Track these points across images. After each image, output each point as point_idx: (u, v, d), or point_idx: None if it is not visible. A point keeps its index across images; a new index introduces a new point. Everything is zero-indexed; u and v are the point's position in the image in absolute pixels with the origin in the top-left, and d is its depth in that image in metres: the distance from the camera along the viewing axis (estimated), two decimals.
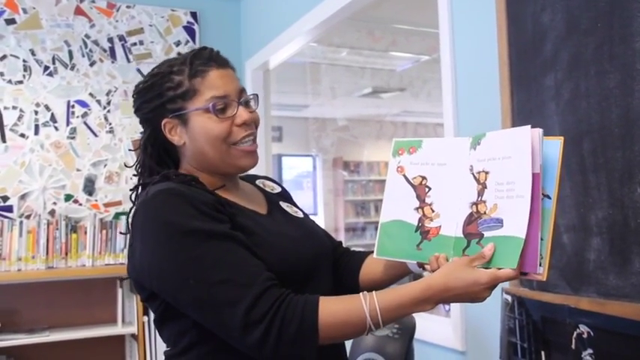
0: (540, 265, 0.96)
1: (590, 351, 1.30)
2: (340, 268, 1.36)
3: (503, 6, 1.62)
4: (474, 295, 1.00)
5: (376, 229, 1.23)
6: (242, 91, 1.23)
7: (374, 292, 1.04)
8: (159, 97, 1.20)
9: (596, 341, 1.29)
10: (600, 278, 1.33)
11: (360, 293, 1.04)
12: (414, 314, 1.87)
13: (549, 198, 0.97)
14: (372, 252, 1.29)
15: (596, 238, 1.33)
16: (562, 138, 0.99)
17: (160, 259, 1.06)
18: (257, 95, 1.29)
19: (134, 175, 1.28)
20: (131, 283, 3.32)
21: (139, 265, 1.11)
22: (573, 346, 1.34)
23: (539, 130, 0.98)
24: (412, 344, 1.81)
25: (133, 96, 1.27)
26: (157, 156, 1.25)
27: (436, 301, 1.02)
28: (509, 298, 1.53)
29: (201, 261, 1.03)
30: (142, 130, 1.28)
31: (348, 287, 1.34)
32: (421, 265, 1.15)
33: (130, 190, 1.27)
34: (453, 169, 1.10)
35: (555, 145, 0.98)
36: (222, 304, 1.01)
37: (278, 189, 1.42)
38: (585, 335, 1.31)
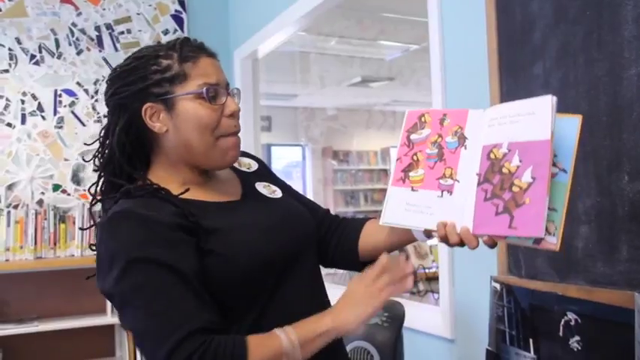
0: (554, 235, 0.97)
1: (577, 338, 1.31)
2: (334, 238, 1.34)
3: None
4: (366, 289, 1.09)
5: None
6: (228, 84, 1.20)
7: (291, 329, 1.04)
8: (142, 80, 1.13)
9: (583, 328, 1.30)
10: (588, 266, 1.34)
11: (277, 331, 1.04)
12: (403, 303, 1.89)
13: (565, 172, 0.99)
14: (370, 219, 1.32)
15: (584, 226, 1.34)
16: (580, 116, 1.01)
17: (110, 285, 1.05)
18: (240, 90, 1.26)
19: (94, 170, 1.21)
20: None
21: (100, 286, 1.11)
22: (561, 334, 1.35)
23: (553, 98, 0.99)
24: (401, 332, 1.82)
25: (107, 81, 1.20)
26: (130, 148, 1.17)
27: (332, 312, 1.09)
28: (497, 286, 1.54)
29: (142, 290, 1.02)
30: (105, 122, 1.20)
31: (345, 256, 1.33)
32: (428, 234, 1.13)
33: (94, 188, 1.21)
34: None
35: (573, 123, 1.01)
36: (151, 338, 1.00)
37: (254, 166, 1.37)
38: (573, 322, 1.32)
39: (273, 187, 1.32)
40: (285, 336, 1.02)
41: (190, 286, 1.03)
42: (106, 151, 1.19)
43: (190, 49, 1.16)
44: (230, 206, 1.20)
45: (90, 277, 1.25)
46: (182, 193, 1.13)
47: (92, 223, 1.21)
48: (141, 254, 1.02)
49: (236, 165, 1.33)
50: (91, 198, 1.22)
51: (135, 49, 1.23)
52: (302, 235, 1.23)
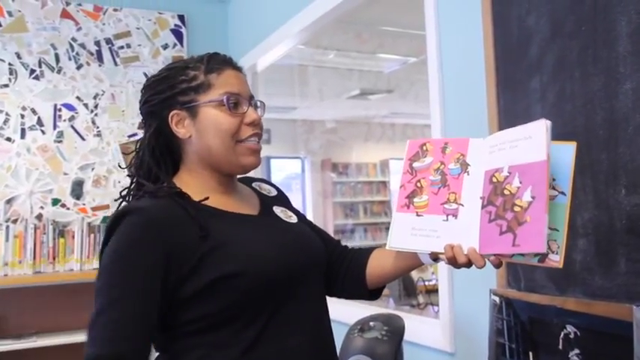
0: (557, 253, 1.01)
1: (577, 351, 1.31)
2: (343, 267, 1.36)
3: (489, 8, 1.63)
4: None
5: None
6: (252, 96, 1.26)
7: None
8: (170, 89, 1.21)
9: (582, 341, 1.30)
10: (586, 279, 1.34)
11: None
12: (403, 316, 1.88)
13: (564, 194, 1.03)
14: (377, 247, 1.35)
15: (582, 239, 1.35)
16: (575, 143, 1.06)
17: (97, 278, 1.11)
18: (264, 104, 1.31)
19: (128, 175, 1.27)
20: None
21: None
22: (560, 347, 1.35)
23: (547, 122, 1.04)
24: (401, 346, 1.82)
25: (141, 90, 1.27)
26: (158, 153, 1.24)
27: None
28: (497, 299, 1.54)
29: (110, 289, 1.07)
30: (133, 133, 1.28)
31: (353, 284, 1.35)
32: (435, 256, 1.16)
33: (118, 198, 1.26)
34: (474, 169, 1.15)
35: (569, 149, 1.06)
36: (96, 334, 1.05)
37: (274, 192, 1.42)
38: (572, 335, 1.32)
39: (290, 213, 1.35)
40: None
41: (146, 305, 1.07)
42: (140, 157, 1.25)
43: (216, 62, 1.23)
44: (246, 219, 1.23)
45: None
46: (202, 201, 1.18)
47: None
48: (132, 263, 1.08)
49: (257, 188, 1.38)
50: (120, 200, 1.27)
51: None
52: (311, 258, 1.26)
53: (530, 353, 1.43)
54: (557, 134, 1.06)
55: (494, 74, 1.62)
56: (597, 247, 1.32)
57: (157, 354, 1.20)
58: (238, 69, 1.27)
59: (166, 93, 1.21)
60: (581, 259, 1.35)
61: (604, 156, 1.29)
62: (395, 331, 1.81)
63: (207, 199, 1.19)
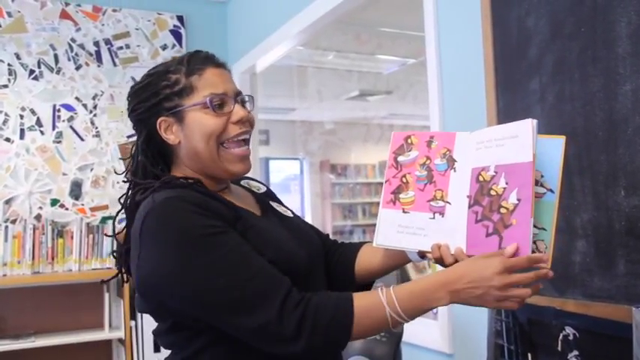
0: (544, 253, 1.00)
1: (575, 352, 1.31)
2: (333, 261, 1.36)
3: (489, 10, 1.63)
4: (486, 283, 0.97)
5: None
6: (239, 92, 1.23)
7: (395, 301, 1.02)
8: (154, 96, 1.18)
9: (581, 343, 1.30)
10: (585, 280, 1.34)
11: (382, 300, 1.03)
12: None
13: (552, 192, 1.02)
14: (366, 242, 1.33)
15: (581, 240, 1.35)
16: (564, 137, 1.03)
17: (182, 267, 1.03)
18: (252, 97, 1.29)
19: (124, 181, 1.25)
20: (115, 286, 3.31)
21: (150, 275, 1.07)
22: (559, 348, 1.35)
23: (533, 121, 1.01)
24: (400, 347, 1.82)
25: (127, 98, 1.25)
26: (152, 158, 1.22)
27: (450, 289, 1.00)
28: None
29: (228, 258, 1.03)
30: (132, 133, 1.27)
31: (342, 279, 1.34)
32: (422, 254, 1.15)
33: (124, 198, 1.22)
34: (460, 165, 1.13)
35: (558, 144, 1.03)
36: (251, 299, 1.01)
37: (263, 189, 1.41)
38: (571, 337, 1.32)
39: (284, 208, 1.35)
40: (390, 309, 1.01)
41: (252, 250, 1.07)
42: (135, 162, 1.23)
43: (197, 62, 1.20)
44: (255, 217, 1.23)
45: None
46: (220, 190, 1.18)
47: (115, 230, 1.24)
48: (214, 229, 1.05)
49: (246, 185, 1.38)
50: (120, 207, 1.23)
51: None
52: (315, 254, 1.26)
53: (529, 355, 1.43)
54: (558, 135, 1.05)
55: (493, 75, 1.62)
56: (596, 249, 1.32)
57: (168, 353, 1.19)
58: (221, 65, 1.23)
59: (151, 100, 1.19)
60: (581, 260, 1.35)
61: (603, 157, 1.29)
62: (393, 332, 1.81)
63: (226, 187, 1.19)
